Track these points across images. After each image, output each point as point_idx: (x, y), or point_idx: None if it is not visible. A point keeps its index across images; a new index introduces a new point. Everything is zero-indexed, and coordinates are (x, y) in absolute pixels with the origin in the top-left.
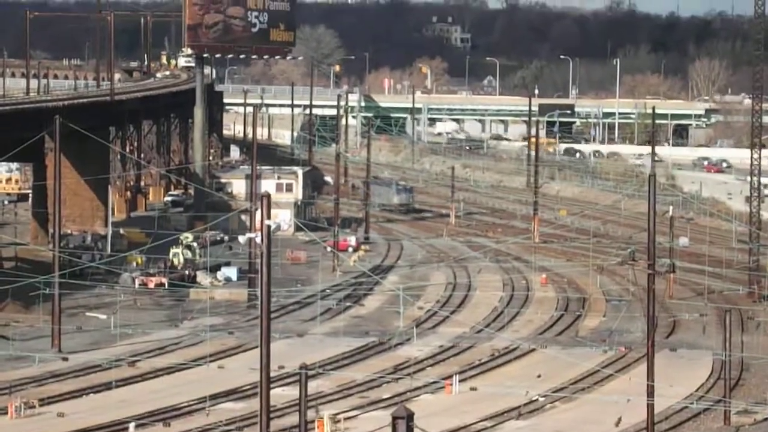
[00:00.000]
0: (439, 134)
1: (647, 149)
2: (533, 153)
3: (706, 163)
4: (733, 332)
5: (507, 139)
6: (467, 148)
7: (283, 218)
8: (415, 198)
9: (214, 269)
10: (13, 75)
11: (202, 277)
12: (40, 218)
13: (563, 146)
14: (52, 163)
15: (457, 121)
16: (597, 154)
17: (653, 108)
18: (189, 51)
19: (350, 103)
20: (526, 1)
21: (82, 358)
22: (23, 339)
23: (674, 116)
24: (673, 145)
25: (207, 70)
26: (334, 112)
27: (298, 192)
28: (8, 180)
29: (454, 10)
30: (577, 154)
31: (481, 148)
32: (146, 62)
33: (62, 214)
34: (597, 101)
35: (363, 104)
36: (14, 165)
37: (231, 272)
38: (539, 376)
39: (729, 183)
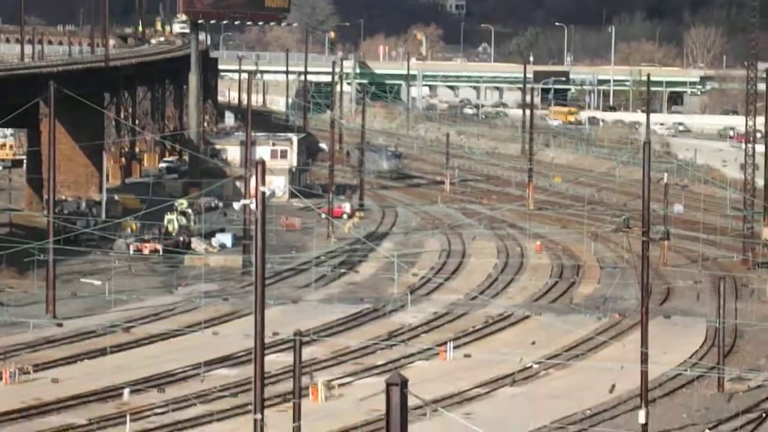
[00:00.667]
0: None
1: (671, 117)
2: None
3: (732, 132)
4: (727, 299)
5: (504, 107)
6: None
7: (278, 185)
8: (409, 165)
9: (208, 236)
10: (7, 41)
11: (197, 244)
12: (35, 184)
13: (586, 114)
14: (46, 129)
15: (451, 87)
16: (620, 124)
17: (648, 75)
18: (184, 17)
19: (345, 70)
20: None
21: (77, 324)
22: (17, 305)
23: (669, 83)
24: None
25: (202, 36)
26: (328, 78)
27: (292, 158)
28: (2, 146)
29: None
30: (601, 123)
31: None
32: (141, 28)
33: (56, 180)
34: (592, 68)
35: (358, 71)
36: (8, 131)
37: (226, 239)
38: (533, 343)
39: (724, 150)
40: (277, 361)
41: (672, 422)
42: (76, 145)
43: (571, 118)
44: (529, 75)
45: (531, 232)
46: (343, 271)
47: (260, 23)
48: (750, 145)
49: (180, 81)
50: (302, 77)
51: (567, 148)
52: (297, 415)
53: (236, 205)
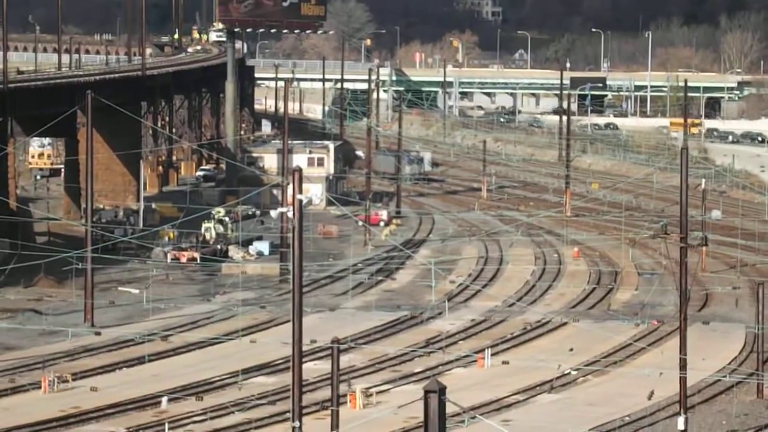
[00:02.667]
0: (479, 108)
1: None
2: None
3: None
4: (766, 305)
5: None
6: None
7: (315, 192)
8: (446, 172)
9: (246, 243)
10: (45, 50)
11: (234, 252)
12: (73, 193)
13: (708, 123)
14: (84, 138)
15: (488, 94)
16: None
17: (685, 81)
18: (220, 25)
19: (381, 77)
20: None
21: (115, 332)
22: (56, 314)
23: (706, 89)
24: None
25: (238, 44)
26: (365, 86)
27: (329, 166)
28: (41, 155)
29: None
30: (714, 132)
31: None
32: (177, 37)
33: (94, 189)
34: (629, 74)
35: (394, 78)
36: (47, 140)
37: (263, 246)
38: (571, 350)
39: (762, 156)
40: (314, 368)
41: (711, 429)
42: (113, 154)
43: (694, 130)
44: (566, 81)
45: (568, 238)
46: (380, 278)
47: (296, 31)
48: None
49: (217, 89)
50: (339, 85)
51: (604, 154)
52: (335, 423)
53: (273, 213)
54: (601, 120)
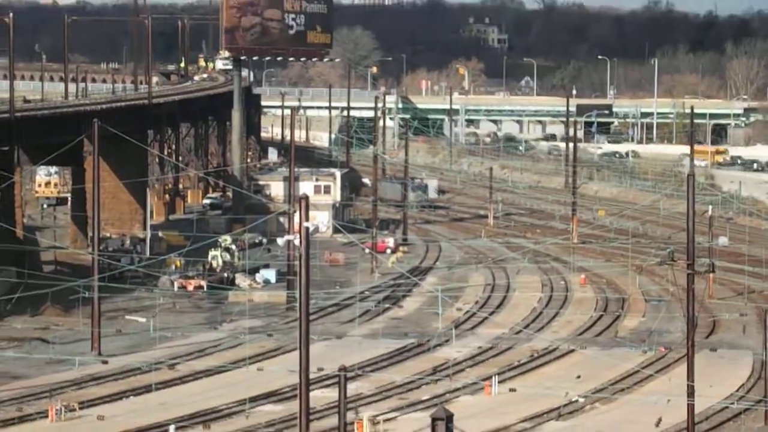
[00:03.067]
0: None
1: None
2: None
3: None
4: None
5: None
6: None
7: (321, 220)
8: (452, 199)
9: (252, 271)
10: (51, 79)
11: (241, 280)
12: (79, 221)
13: (731, 150)
14: (90, 166)
15: (494, 122)
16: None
17: (692, 108)
18: (226, 53)
19: (387, 105)
20: (563, 1)
21: (122, 361)
22: (63, 342)
23: (713, 116)
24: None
25: (244, 72)
26: (371, 113)
27: (336, 194)
28: (47, 183)
29: (491, 11)
30: (738, 160)
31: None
32: (184, 65)
33: (101, 218)
34: (635, 101)
35: (400, 106)
36: (53, 168)
37: (270, 274)
38: (579, 377)
39: None
40: (321, 396)
41: None
42: (120, 183)
43: (719, 159)
44: (572, 108)
45: (575, 265)
46: (387, 306)
47: (303, 59)
48: None
49: (223, 117)
50: (345, 112)
51: (610, 181)
52: None
53: (280, 241)
54: (621, 148)
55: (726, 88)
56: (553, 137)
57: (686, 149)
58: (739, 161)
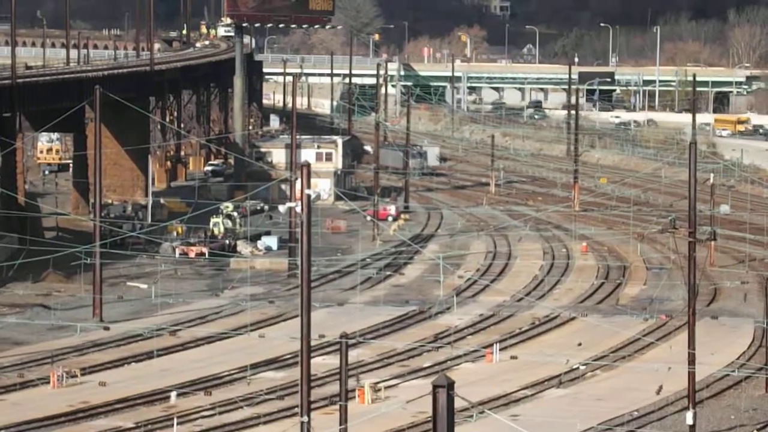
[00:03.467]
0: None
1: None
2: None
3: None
4: None
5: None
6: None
7: (323, 187)
8: (454, 167)
9: (254, 238)
10: (53, 45)
11: (243, 247)
12: (81, 188)
13: (754, 118)
14: (92, 133)
15: (496, 89)
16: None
17: (694, 75)
18: (228, 20)
19: (390, 72)
20: None
21: (124, 327)
22: (65, 309)
23: (715, 83)
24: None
25: (246, 39)
26: (373, 81)
27: (337, 161)
28: (49, 150)
29: None
30: (760, 130)
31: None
32: (185, 32)
33: (103, 184)
34: (637, 69)
35: (402, 73)
36: (55, 135)
37: (271, 241)
38: (580, 345)
39: None
40: (323, 363)
41: (720, 423)
42: (122, 149)
43: (741, 128)
44: (574, 76)
45: (577, 233)
46: (388, 273)
47: (304, 26)
48: None
49: (225, 84)
50: (347, 80)
51: (612, 148)
52: (344, 418)
53: (281, 208)
54: (639, 116)
55: (728, 55)
56: (538, 104)
57: (706, 117)
58: (761, 130)
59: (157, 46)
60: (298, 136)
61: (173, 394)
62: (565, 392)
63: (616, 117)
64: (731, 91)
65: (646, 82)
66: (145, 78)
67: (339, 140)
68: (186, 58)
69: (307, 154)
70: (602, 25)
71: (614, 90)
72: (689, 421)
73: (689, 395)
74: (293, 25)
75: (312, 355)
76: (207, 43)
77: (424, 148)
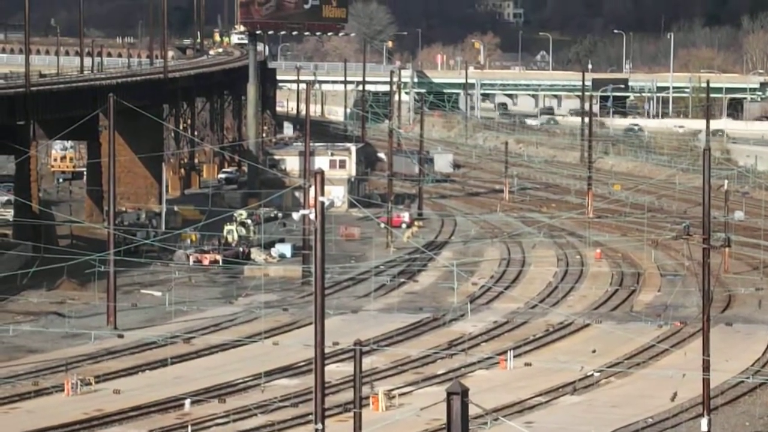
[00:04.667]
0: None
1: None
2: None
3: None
4: None
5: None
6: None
7: (337, 195)
8: (468, 173)
9: (268, 246)
10: (67, 53)
11: (257, 254)
12: (95, 196)
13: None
14: (106, 140)
15: (510, 96)
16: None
17: (708, 82)
18: (242, 28)
19: (403, 79)
20: None
21: (138, 335)
22: (79, 316)
23: (729, 90)
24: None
25: (260, 47)
26: (386, 88)
27: (351, 168)
28: (63, 158)
29: None
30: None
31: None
32: (199, 40)
33: (116, 192)
34: (651, 75)
35: (416, 80)
36: (69, 143)
37: (285, 249)
38: (594, 351)
39: None
40: (337, 370)
41: (734, 430)
42: (135, 157)
43: None
44: (588, 83)
45: (591, 240)
46: (402, 280)
47: (318, 33)
48: None
49: (238, 92)
50: (360, 87)
51: (626, 155)
52: (358, 425)
53: (295, 216)
54: (668, 123)
55: (742, 62)
56: (550, 110)
57: (720, 124)
58: None
59: (170, 53)
60: (311, 144)
61: (187, 401)
62: (580, 399)
63: (640, 125)
64: (745, 98)
65: (660, 89)
66: (158, 86)
67: (352, 147)
68: (200, 66)
69: (321, 162)
70: (615, 31)
71: (628, 96)
72: (704, 427)
73: (704, 402)
74: (306, 33)
75: (326, 363)
76: (220, 50)
77: (432, 154)
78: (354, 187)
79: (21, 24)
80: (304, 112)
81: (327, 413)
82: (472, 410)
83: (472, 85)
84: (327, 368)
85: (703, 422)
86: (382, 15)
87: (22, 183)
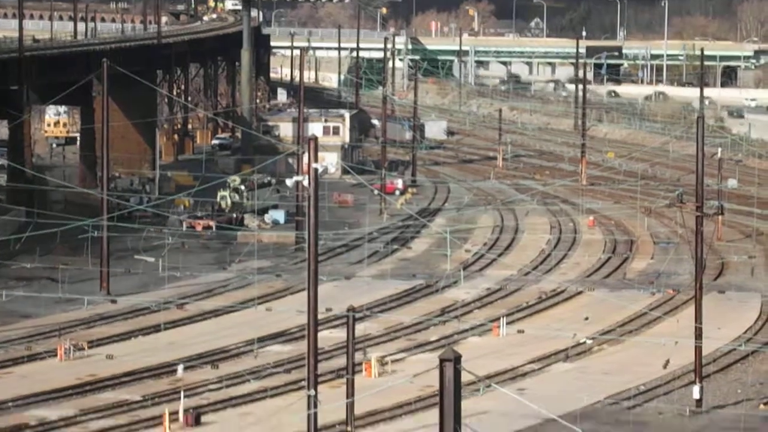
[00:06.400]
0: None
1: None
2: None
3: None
4: None
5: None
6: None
7: (330, 161)
8: (462, 140)
9: (261, 212)
10: (60, 18)
11: (250, 220)
12: (88, 161)
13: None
14: (99, 106)
15: (504, 63)
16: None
17: (702, 49)
18: None
19: (397, 46)
20: None
21: (131, 300)
22: (72, 282)
23: (723, 58)
24: (721, 86)
25: (254, 13)
26: (380, 54)
27: (345, 135)
28: (56, 123)
29: None
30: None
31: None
32: (193, 5)
33: (110, 158)
34: (645, 43)
35: (410, 47)
36: (62, 108)
37: (278, 215)
38: (587, 319)
39: None
40: (330, 337)
41: (726, 398)
42: (129, 123)
43: None
44: (582, 50)
45: (584, 207)
46: (395, 247)
47: None
48: None
49: (232, 58)
50: (354, 53)
51: (620, 123)
52: (350, 391)
53: (289, 182)
54: (690, 92)
55: (736, 30)
56: (556, 81)
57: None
58: None
59: (164, 19)
60: (305, 110)
61: (180, 367)
62: (572, 366)
63: (613, 91)
64: (739, 66)
65: (654, 56)
66: (152, 51)
67: (346, 114)
68: (193, 32)
69: (315, 128)
70: None
71: (622, 64)
72: (696, 395)
73: (696, 369)
74: None
75: (319, 329)
76: (214, 16)
77: (423, 121)
78: (348, 154)
79: None
80: (298, 79)
81: (320, 379)
82: (465, 377)
83: (467, 53)
84: (320, 334)
85: (695, 389)
86: None
87: (16, 148)
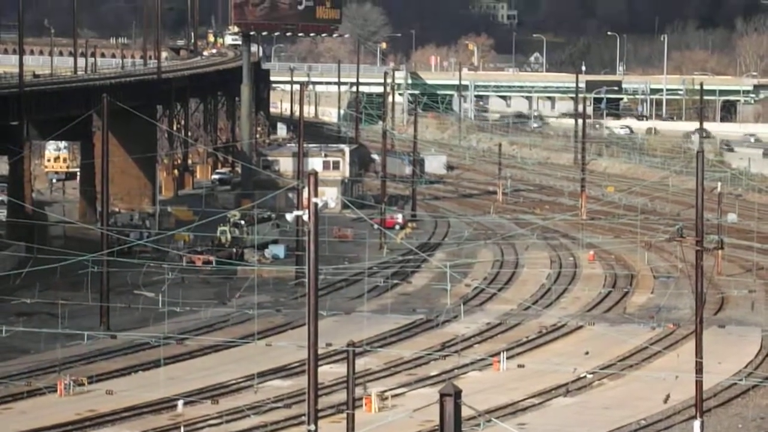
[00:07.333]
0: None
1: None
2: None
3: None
4: None
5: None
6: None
7: (330, 196)
8: (461, 175)
9: (261, 247)
10: (60, 54)
11: (250, 255)
12: (88, 196)
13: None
14: (99, 141)
15: (503, 98)
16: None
17: (701, 84)
18: (235, 29)
19: (397, 81)
20: None
21: (131, 335)
22: (72, 317)
23: (722, 92)
24: (720, 121)
25: (254, 48)
26: (380, 89)
27: (344, 169)
28: (56, 158)
29: None
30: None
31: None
32: (193, 40)
33: (110, 193)
34: (644, 77)
35: (409, 81)
36: (62, 143)
37: (278, 250)
38: (587, 353)
39: None
40: (330, 372)
41: None
42: (129, 158)
43: None
44: (582, 84)
45: (584, 241)
46: (395, 281)
47: (312, 34)
48: None
49: (232, 93)
50: (354, 88)
51: (619, 157)
52: (350, 426)
53: (289, 217)
54: (688, 127)
55: (736, 64)
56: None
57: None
58: None
59: (164, 54)
60: (305, 145)
61: (180, 402)
62: (573, 401)
63: (625, 126)
64: (738, 100)
65: (654, 91)
66: (152, 86)
67: (346, 149)
68: (193, 67)
69: (315, 163)
70: (609, 33)
71: (621, 99)
72: (696, 430)
73: (696, 404)
74: (300, 34)
75: (319, 364)
76: (214, 51)
77: (423, 155)
78: (347, 188)
79: (15, 24)
80: (297, 113)
81: (320, 414)
82: (465, 411)
83: (466, 87)
84: (320, 369)
85: (696, 424)
86: (375, 16)
87: (16, 183)
